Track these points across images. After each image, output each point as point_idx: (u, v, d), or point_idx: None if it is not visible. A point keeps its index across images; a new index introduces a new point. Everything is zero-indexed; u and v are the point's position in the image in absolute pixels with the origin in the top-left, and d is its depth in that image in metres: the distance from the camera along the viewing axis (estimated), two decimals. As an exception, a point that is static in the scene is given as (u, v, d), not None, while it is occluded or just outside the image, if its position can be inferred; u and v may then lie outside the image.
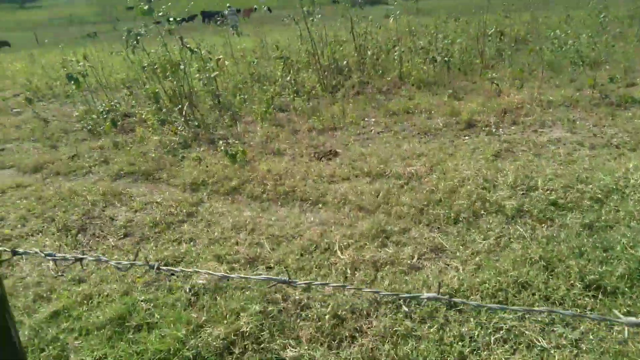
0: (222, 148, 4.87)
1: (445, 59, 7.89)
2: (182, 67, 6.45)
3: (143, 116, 6.94)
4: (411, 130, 5.67)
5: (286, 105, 7.23)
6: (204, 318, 2.50)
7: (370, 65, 8.64)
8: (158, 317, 2.56)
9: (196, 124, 6.40)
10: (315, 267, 2.97)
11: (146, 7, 5.81)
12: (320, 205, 3.94)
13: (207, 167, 4.87)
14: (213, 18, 33.82)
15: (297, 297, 2.65)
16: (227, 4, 33.25)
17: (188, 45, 6.37)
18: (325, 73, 8.12)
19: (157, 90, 6.90)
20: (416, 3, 10.13)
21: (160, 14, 6.22)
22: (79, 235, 3.76)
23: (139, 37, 6.46)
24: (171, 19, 6.65)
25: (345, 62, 8.92)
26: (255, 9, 39.42)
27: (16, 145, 6.73)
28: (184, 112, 6.42)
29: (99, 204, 4.31)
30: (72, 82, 7.17)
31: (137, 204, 4.24)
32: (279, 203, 4.08)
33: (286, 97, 7.49)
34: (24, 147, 6.59)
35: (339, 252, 3.10)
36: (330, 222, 3.59)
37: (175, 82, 6.58)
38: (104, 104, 7.17)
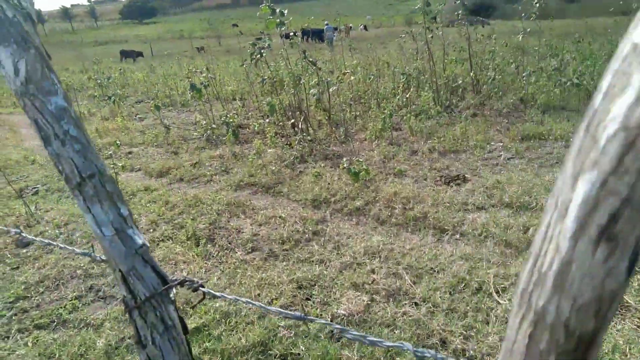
0: (345, 165, 4.69)
1: (577, 81, 7.14)
2: (302, 81, 6.44)
3: (256, 128, 7.07)
4: (548, 159, 5.09)
5: (397, 124, 6.96)
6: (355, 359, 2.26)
7: (488, 85, 8.09)
8: (303, 348, 2.36)
9: (309, 138, 6.34)
10: (471, 311, 2.61)
11: (278, 21, 5.90)
12: (457, 235, 3.58)
13: (328, 183, 4.72)
14: (313, 36, 34.89)
15: (456, 347, 2.32)
16: (325, 21, 34.11)
17: (311, 59, 6.35)
18: (441, 92, 7.73)
19: (275, 103, 6.97)
20: (552, 21, 9.33)
21: (284, 28, 6.29)
22: (208, 245, 3.74)
23: (263, 51, 6.58)
24: (293, 34, 6.73)
25: (460, 82, 8.46)
26: (351, 27, 40.08)
27: (142, 149, 7.14)
28: (299, 126, 6.39)
29: (224, 214, 4.32)
30: (195, 91, 7.56)
31: (261, 217, 4.17)
32: (409, 229, 3.78)
33: (399, 116, 7.20)
34: (149, 151, 6.97)
35: (495, 295, 2.71)
36: (474, 257, 3.21)
37: (293, 96, 6.59)
38: (221, 114, 7.41)
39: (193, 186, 5.35)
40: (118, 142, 6.99)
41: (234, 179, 5.27)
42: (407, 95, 7.09)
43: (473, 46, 8.59)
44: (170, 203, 4.67)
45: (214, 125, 7.17)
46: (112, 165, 5.31)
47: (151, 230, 4.11)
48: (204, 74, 7.90)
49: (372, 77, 7.99)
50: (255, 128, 7.17)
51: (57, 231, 4.18)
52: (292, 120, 7.11)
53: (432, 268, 3.12)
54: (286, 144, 6.34)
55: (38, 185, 5.58)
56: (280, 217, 4.14)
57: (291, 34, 6.73)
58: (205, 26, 76.42)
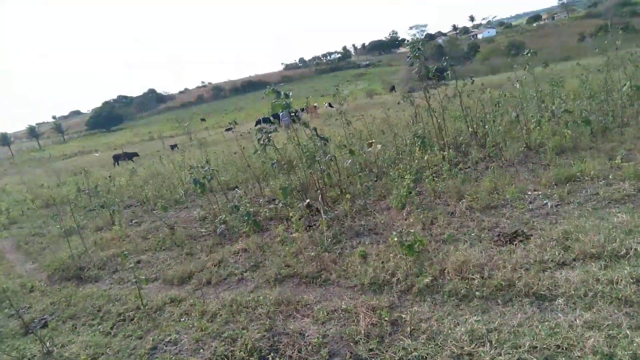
0: (396, 238, 4.27)
1: (582, 120, 7.18)
2: (317, 157, 6.18)
3: (267, 214, 6.68)
4: (599, 200, 4.82)
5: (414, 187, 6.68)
6: None
7: (493, 136, 8.06)
8: None
9: (331, 215, 5.96)
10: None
11: (284, 103, 5.76)
12: (560, 300, 3.13)
13: (382, 262, 4.26)
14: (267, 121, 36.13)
15: None
16: (281, 110, 35.70)
17: (322, 135, 6.15)
18: (450, 149, 7.61)
19: (287, 185, 6.64)
20: (545, 68, 9.47)
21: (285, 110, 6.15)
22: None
23: (270, 135, 6.37)
24: (294, 113, 6.59)
25: (460, 137, 8.44)
26: (316, 106, 41.85)
27: (150, 256, 6.55)
28: (320, 205, 6.02)
29: (276, 316, 3.76)
30: (198, 186, 7.18)
31: (321, 314, 3.64)
32: (499, 301, 3.31)
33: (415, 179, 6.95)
34: (160, 257, 6.39)
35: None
36: (600, 324, 2.75)
37: (306, 175, 6.29)
38: (230, 205, 7.00)
39: (224, 289, 4.78)
40: (126, 252, 6.40)
41: (269, 273, 4.74)
42: (425, 157, 6.88)
43: (452, 104, 8.69)
44: (208, 313, 4.09)
45: (224, 218, 6.71)
46: (133, 280, 4.71)
47: (200, 350, 3.49)
48: (204, 168, 7.56)
49: (382, 144, 7.83)
50: (267, 214, 6.77)
51: (85, 371, 3.51)
52: (307, 201, 6.77)
53: (559, 346, 2.64)
54: (309, 226, 5.92)
55: (45, 316, 4.88)
56: (344, 309, 3.62)
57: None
58: (174, 125, 78.07)
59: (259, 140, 6.48)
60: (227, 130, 42.10)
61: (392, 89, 59.26)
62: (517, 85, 8.22)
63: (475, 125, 8.37)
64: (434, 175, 6.87)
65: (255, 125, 42.09)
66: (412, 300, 3.62)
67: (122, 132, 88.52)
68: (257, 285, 4.61)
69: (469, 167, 7.23)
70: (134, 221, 9.22)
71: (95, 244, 7.52)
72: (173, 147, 35.12)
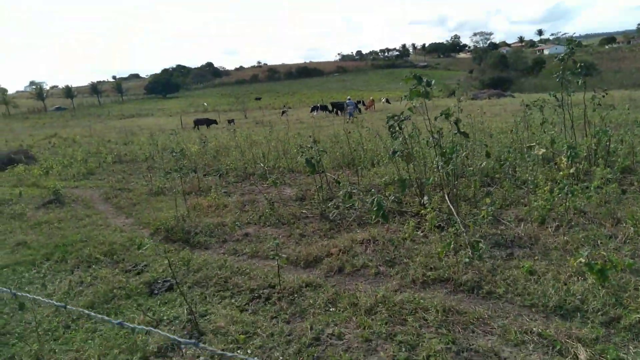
0: (583, 260, 3.71)
1: None
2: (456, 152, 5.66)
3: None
4: None
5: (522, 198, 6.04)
6: None
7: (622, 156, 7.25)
8: None
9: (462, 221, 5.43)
10: None
11: (422, 91, 5.26)
12: None
13: (563, 284, 3.72)
14: (335, 108, 35.83)
15: None
16: (348, 97, 35.35)
17: (462, 131, 5.62)
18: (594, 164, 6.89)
19: (407, 177, 6.18)
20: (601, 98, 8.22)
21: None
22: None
23: (402, 122, 5.91)
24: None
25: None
26: (373, 100, 41.27)
27: (256, 229, 6.26)
28: (449, 204, 5.51)
29: (451, 327, 3.31)
30: (309, 166, 6.82)
31: (511, 334, 3.15)
32: None
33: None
34: (267, 233, 6.08)
35: None
36: None
37: (434, 170, 5.78)
38: (343, 189, 6.60)
39: (361, 281, 4.38)
40: (238, 223, 6.15)
41: (408, 274, 4.29)
42: (571, 170, 6.21)
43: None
44: (360, 307, 3.68)
45: (338, 203, 6.32)
46: (273, 256, 4.36)
47: (374, 352, 3.09)
48: (313, 147, 7.19)
49: (508, 151, 7.21)
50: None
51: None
52: (425, 197, 6.27)
53: None
54: (437, 227, 5.42)
55: (168, 279, 4.63)
56: (539, 334, 3.12)
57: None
58: (226, 100, 79.00)
59: (390, 127, 6.02)
60: (283, 113, 42.11)
61: (452, 93, 57.73)
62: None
63: (606, 142, 7.58)
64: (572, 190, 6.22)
65: (311, 112, 41.94)
66: (624, 337, 3.07)
67: (177, 100, 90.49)
68: (401, 284, 4.17)
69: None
70: (222, 190, 9.00)
71: (194, 208, 7.31)
72: (230, 121, 35.46)
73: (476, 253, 4.34)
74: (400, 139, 6.04)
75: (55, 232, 6.77)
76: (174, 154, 10.11)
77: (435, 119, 5.55)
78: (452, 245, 4.14)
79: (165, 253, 5.02)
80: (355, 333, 3.31)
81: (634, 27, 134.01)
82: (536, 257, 4.35)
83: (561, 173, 5.99)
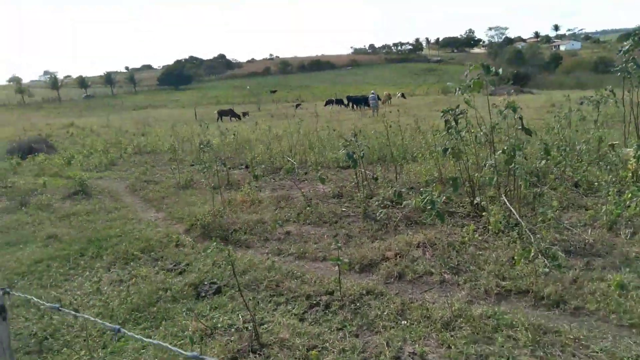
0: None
1: None
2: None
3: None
4: None
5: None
6: None
7: None
8: None
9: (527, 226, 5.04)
10: None
11: (484, 82, 4.87)
12: None
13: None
14: (358, 102, 35.20)
15: None
16: (372, 91, 34.91)
17: (527, 128, 5.21)
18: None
19: (459, 177, 5.79)
20: None
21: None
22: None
23: (459, 117, 5.52)
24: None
25: None
26: (389, 95, 40.77)
27: (297, 228, 5.92)
28: (511, 206, 5.12)
29: (545, 348, 2.94)
30: (351, 161, 6.47)
31: None
32: None
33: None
34: (310, 232, 5.75)
35: None
36: None
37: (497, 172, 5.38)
38: (383, 190, 6.25)
39: (425, 289, 4.02)
40: (279, 221, 5.82)
41: (482, 282, 3.93)
42: None
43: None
44: (436, 321, 3.33)
45: (383, 202, 5.97)
46: (323, 258, 4.01)
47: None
48: (353, 142, 6.81)
49: (564, 149, 6.77)
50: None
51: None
52: (478, 198, 5.89)
53: None
54: (498, 232, 5.03)
55: (215, 280, 4.32)
56: (652, 359, 2.75)
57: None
58: (238, 92, 78.66)
59: (445, 122, 5.64)
60: (297, 106, 41.68)
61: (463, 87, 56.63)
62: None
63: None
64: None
65: (325, 105, 41.46)
66: None
67: (190, 92, 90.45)
68: (472, 295, 3.81)
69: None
70: (252, 184, 8.68)
71: (229, 203, 7.00)
72: (245, 114, 35.21)
73: (554, 262, 3.95)
74: (454, 134, 5.64)
75: (85, 225, 6.50)
76: (202, 146, 9.82)
77: (500, 112, 5.15)
78: (532, 254, 3.76)
79: (207, 251, 4.71)
80: (439, 352, 2.97)
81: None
82: (601, 267, 3.96)
83: (628, 174, 5.57)
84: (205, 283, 4.28)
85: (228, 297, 3.99)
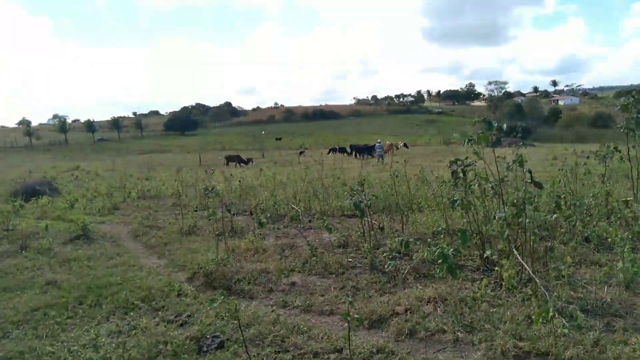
0: None
1: None
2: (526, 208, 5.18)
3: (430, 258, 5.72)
4: None
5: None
6: None
7: None
8: None
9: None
10: None
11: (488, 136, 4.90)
12: None
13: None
14: (361, 151, 35.51)
15: None
16: (378, 140, 35.43)
17: (537, 181, 5.17)
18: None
19: (465, 228, 5.69)
20: None
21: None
22: None
23: (468, 169, 5.51)
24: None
25: None
26: (392, 144, 41.32)
27: (302, 279, 5.76)
28: (524, 262, 4.98)
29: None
30: (359, 210, 6.41)
31: None
32: None
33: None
34: (315, 282, 5.58)
35: None
36: None
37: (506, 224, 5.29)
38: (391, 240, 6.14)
39: (436, 348, 3.84)
40: (285, 272, 5.68)
41: (498, 342, 3.74)
42: None
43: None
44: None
45: (393, 254, 5.85)
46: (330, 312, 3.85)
47: None
48: (359, 191, 6.77)
49: (574, 204, 6.71)
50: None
51: None
52: (489, 252, 5.76)
53: None
54: (511, 288, 4.87)
55: (219, 334, 4.14)
56: None
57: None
58: (245, 139, 79.84)
59: (452, 173, 5.62)
60: (300, 153, 42.22)
61: (470, 140, 57.63)
62: None
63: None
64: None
65: (328, 153, 41.98)
66: None
67: (195, 138, 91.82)
68: (488, 356, 3.62)
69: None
70: (257, 232, 8.56)
71: (232, 251, 6.87)
72: (248, 160, 35.63)
73: (573, 322, 3.78)
74: (463, 186, 5.61)
75: (85, 271, 6.35)
76: (207, 192, 9.79)
77: (508, 166, 5.14)
78: (551, 313, 3.60)
79: (211, 303, 4.54)
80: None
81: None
82: (623, 328, 3.79)
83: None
84: (208, 336, 4.10)
85: (231, 353, 3.80)
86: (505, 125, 5.25)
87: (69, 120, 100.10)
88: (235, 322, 4.34)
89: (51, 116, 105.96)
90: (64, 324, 4.57)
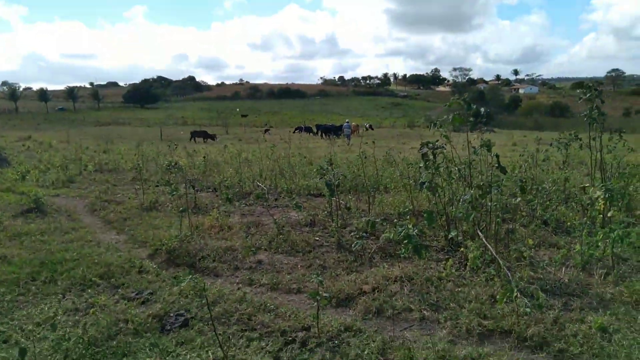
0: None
1: None
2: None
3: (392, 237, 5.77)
4: None
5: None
6: None
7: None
8: None
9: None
10: None
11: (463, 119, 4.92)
12: None
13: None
14: (328, 131, 35.34)
15: None
16: (347, 120, 35.42)
17: (502, 165, 5.25)
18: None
19: (431, 210, 5.75)
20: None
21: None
22: None
23: (437, 151, 5.52)
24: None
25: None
26: (358, 125, 41.47)
27: (268, 257, 5.68)
28: (488, 243, 5.09)
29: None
30: (329, 190, 6.35)
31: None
32: None
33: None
34: (282, 261, 5.52)
35: None
36: None
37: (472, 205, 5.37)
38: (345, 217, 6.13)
39: (403, 326, 3.87)
40: (252, 249, 5.57)
41: (463, 321, 3.81)
42: (610, 214, 5.90)
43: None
44: (419, 362, 3.17)
45: (361, 233, 5.84)
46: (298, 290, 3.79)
47: None
48: (329, 170, 6.71)
49: (536, 188, 6.90)
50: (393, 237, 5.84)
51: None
52: (454, 233, 5.85)
53: None
54: (478, 269, 4.97)
55: (183, 312, 4.01)
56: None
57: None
58: (207, 114, 77.84)
59: (423, 155, 5.62)
60: (265, 131, 41.67)
61: (433, 125, 58.78)
62: None
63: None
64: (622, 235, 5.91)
65: (294, 132, 41.64)
66: None
67: (155, 111, 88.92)
68: (454, 334, 3.68)
69: None
70: (221, 209, 8.37)
71: (196, 228, 6.68)
72: (214, 137, 34.79)
73: (535, 302, 3.90)
74: (431, 168, 5.64)
75: (39, 246, 6.01)
76: (170, 167, 9.46)
77: (475, 151, 5.19)
78: (515, 293, 3.68)
79: (175, 280, 4.40)
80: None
81: (602, 74, 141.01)
82: (580, 307, 3.96)
83: (598, 215, 5.70)
84: (171, 315, 3.96)
85: (196, 331, 3.69)
86: (483, 109, 5.28)
87: (20, 88, 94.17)
88: (200, 300, 4.24)
89: (0, 83, 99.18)
90: (16, 302, 4.31)
